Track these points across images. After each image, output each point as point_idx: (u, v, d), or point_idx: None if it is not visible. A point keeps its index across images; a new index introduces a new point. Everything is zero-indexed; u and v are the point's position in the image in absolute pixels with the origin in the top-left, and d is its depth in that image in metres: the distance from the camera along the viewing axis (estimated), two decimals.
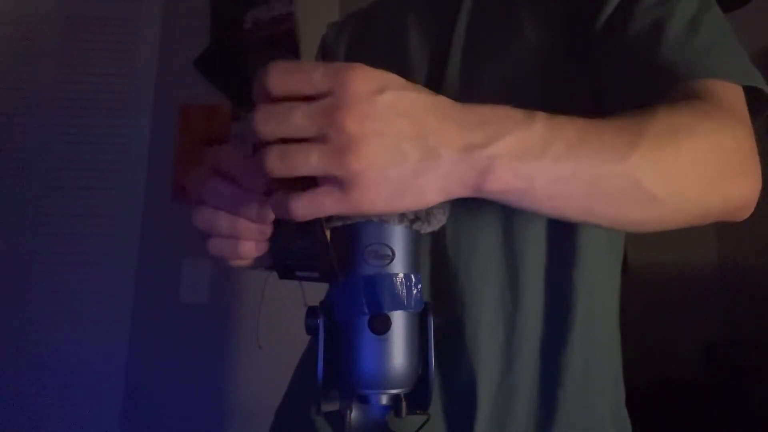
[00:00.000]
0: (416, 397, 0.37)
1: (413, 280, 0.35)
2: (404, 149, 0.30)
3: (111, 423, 1.51)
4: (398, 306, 0.35)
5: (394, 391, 0.36)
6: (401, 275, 0.35)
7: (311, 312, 0.37)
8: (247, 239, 0.38)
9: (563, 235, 0.53)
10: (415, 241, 0.37)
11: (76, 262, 1.58)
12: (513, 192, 0.33)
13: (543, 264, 0.53)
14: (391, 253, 0.36)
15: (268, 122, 0.30)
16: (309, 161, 0.29)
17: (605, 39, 0.50)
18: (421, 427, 0.38)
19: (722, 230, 3.49)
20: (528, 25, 0.55)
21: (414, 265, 0.37)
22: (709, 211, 0.43)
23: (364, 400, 0.36)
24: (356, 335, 0.35)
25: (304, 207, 0.31)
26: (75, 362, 1.53)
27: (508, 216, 0.52)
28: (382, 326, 0.34)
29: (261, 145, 0.31)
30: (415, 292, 0.35)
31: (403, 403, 0.36)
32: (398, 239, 0.36)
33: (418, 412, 0.37)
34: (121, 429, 1.51)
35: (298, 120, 0.29)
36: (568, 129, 0.34)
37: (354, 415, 0.36)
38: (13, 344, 1.54)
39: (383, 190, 0.30)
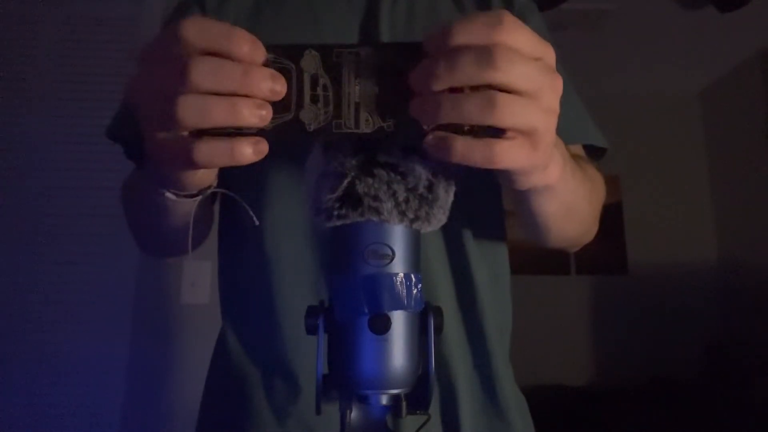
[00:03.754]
0: (416, 397, 0.37)
1: (413, 280, 0.35)
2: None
3: (111, 423, 1.51)
4: (398, 306, 0.35)
5: (394, 391, 0.36)
6: (401, 275, 0.35)
7: (311, 312, 0.37)
8: (249, 127, 0.32)
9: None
10: (415, 240, 0.37)
11: (76, 262, 1.58)
12: (550, 189, 0.41)
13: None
14: (391, 253, 0.36)
15: (505, 63, 0.30)
16: (524, 113, 0.31)
17: None
18: (421, 427, 0.38)
19: (722, 230, 3.50)
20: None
21: (414, 265, 0.37)
22: (581, 243, 0.62)
23: (363, 400, 0.36)
24: (356, 335, 0.35)
25: (505, 155, 0.32)
26: (75, 362, 1.53)
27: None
28: (382, 326, 0.34)
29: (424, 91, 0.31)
30: (415, 292, 0.35)
31: (403, 403, 0.36)
32: (398, 239, 0.36)
33: (418, 412, 0.37)
34: (121, 429, 1.51)
35: (532, 71, 0.31)
36: (567, 155, 0.44)
37: (354, 415, 0.36)
38: (13, 344, 1.53)
39: (549, 156, 0.36)
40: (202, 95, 0.30)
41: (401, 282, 0.35)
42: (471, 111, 0.30)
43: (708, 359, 3.19)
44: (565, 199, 0.45)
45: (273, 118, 0.32)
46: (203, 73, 0.30)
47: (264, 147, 0.32)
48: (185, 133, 0.32)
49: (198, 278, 1.56)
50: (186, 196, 0.43)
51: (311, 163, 0.38)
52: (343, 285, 0.36)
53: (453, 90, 0.31)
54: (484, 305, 0.60)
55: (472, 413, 0.58)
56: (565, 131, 0.59)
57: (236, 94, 0.31)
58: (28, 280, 1.57)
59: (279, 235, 0.58)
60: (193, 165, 0.32)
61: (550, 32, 0.64)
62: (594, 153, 0.66)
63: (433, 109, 0.31)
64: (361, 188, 0.35)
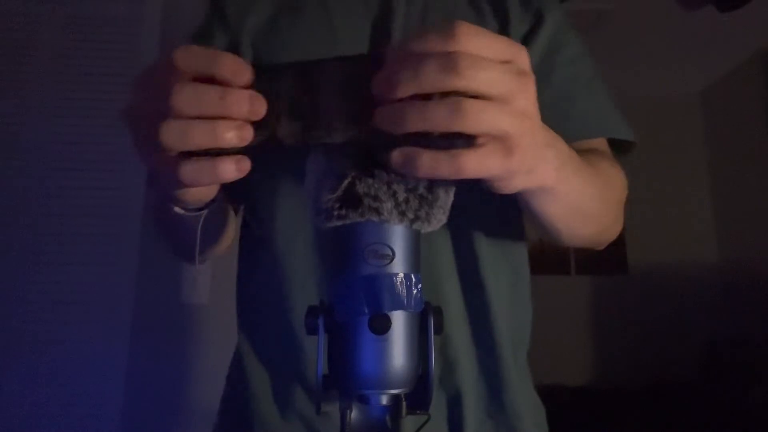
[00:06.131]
0: (416, 397, 0.37)
1: (413, 280, 0.35)
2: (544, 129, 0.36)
3: (111, 423, 1.51)
4: (398, 306, 0.35)
5: (394, 392, 0.36)
6: (401, 275, 0.35)
7: (311, 312, 0.37)
8: (230, 147, 0.33)
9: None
10: (415, 241, 0.37)
11: (76, 262, 1.58)
12: (547, 191, 0.40)
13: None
14: (391, 253, 0.36)
15: (467, 69, 0.29)
16: (493, 118, 0.30)
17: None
18: (421, 427, 0.38)
19: (722, 230, 3.50)
20: None
21: (414, 265, 0.37)
22: (602, 242, 0.58)
23: (363, 400, 0.36)
24: (356, 335, 0.35)
25: (473, 164, 0.31)
26: (75, 362, 1.53)
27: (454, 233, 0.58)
28: (382, 326, 0.34)
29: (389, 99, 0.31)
30: (415, 292, 0.35)
31: (403, 403, 0.36)
32: (398, 239, 0.36)
33: (418, 412, 0.37)
34: (121, 429, 1.51)
35: (497, 75, 0.30)
36: (572, 154, 0.43)
37: (354, 415, 0.36)
38: (13, 344, 1.53)
39: (532, 159, 0.34)
40: (184, 120, 0.32)
41: (401, 282, 0.35)
42: (438, 118, 0.30)
43: (708, 359, 3.19)
44: (569, 199, 0.44)
45: (255, 135, 0.34)
46: (185, 98, 0.31)
47: (246, 165, 0.34)
48: (172, 154, 0.33)
49: (198, 278, 1.56)
50: (191, 210, 0.45)
51: (311, 164, 0.38)
52: (343, 285, 0.36)
53: (420, 98, 0.31)
54: (495, 309, 0.57)
55: (477, 420, 0.57)
56: (582, 125, 0.58)
57: (219, 116, 0.32)
58: (28, 280, 1.57)
59: (289, 238, 0.58)
60: (180, 184, 0.34)
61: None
62: (622, 146, 0.65)
63: (400, 118, 0.31)
64: (361, 188, 0.35)
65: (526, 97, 0.32)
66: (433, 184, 0.36)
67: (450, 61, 0.29)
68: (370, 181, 0.35)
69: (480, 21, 0.63)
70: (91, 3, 1.70)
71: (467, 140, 0.31)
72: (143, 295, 1.57)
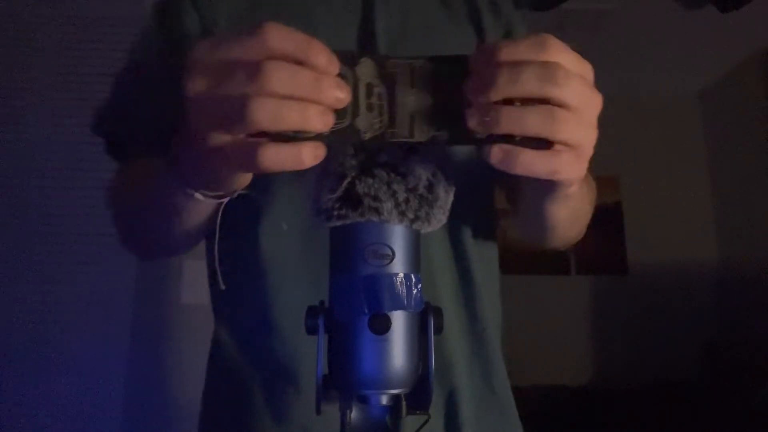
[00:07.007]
0: (416, 397, 0.37)
1: (413, 280, 0.35)
2: None
3: (111, 423, 1.51)
4: (398, 306, 0.35)
5: (394, 392, 0.36)
6: (401, 275, 0.35)
7: (311, 312, 0.37)
8: (314, 132, 0.32)
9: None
10: (415, 241, 0.37)
11: (76, 262, 1.58)
12: (564, 197, 0.43)
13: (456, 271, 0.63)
14: (391, 253, 0.36)
15: (563, 79, 0.32)
16: (575, 128, 0.33)
17: None
18: (421, 427, 0.38)
19: (722, 230, 3.50)
20: (450, 38, 0.65)
21: (414, 265, 0.37)
22: (573, 243, 0.64)
23: (363, 400, 0.36)
24: (356, 335, 0.35)
25: (562, 167, 0.34)
26: (75, 362, 1.53)
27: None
28: (382, 326, 0.34)
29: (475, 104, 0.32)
30: (415, 292, 0.35)
31: (403, 403, 0.36)
32: (398, 239, 0.36)
33: (418, 412, 0.37)
34: (121, 429, 1.51)
35: (582, 88, 0.33)
36: None
37: (354, 415, 0.36)
38: (12, 344, 1.53)
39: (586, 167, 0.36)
40: (276, 99, 0.30)
41: (401, 282, 0.35)
42: (532, 123, 0.32)
43: (708, 359, 3.19)
44: (576, 204, 0.48)
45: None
46: (280, 76, 0.30)
47: (322, 152, 0.33)
48: (243, 136, 0.32)
49: (198, 278, 1.56)
50: (214, 197, 0.43)
51: None
52: (343, 285, 0.36)
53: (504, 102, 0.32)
54: (483, 302, 0.62)
55: (472, 413, 0.59)
56: None
57: (309, 99, 0.31)
58: (28, 280, 1.56)
59: (278, 236, 0.58)
60: (256, 168, 0.32)
61: (552, 33, 0.64)
62: None
63: (494, 120, 0.32)
64: (361, 188, 0.35)
65: (596, 110, 0.34)
66: (433, 184, 0.36)
67: (548, 70, 0.32)
68: (370, 181, 0.35)
69: (455, 26, 0.66)
70: (91, 3, 1.70)
71: (545, 145, 0.33)
72: (143, 295, 1.57)
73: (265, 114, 0.30)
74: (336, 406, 0.36)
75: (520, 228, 0.64)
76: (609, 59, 3.15)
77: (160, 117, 0.59)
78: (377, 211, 0.35)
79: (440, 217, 0.38)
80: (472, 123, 0.33)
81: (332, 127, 0.33)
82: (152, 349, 1.54)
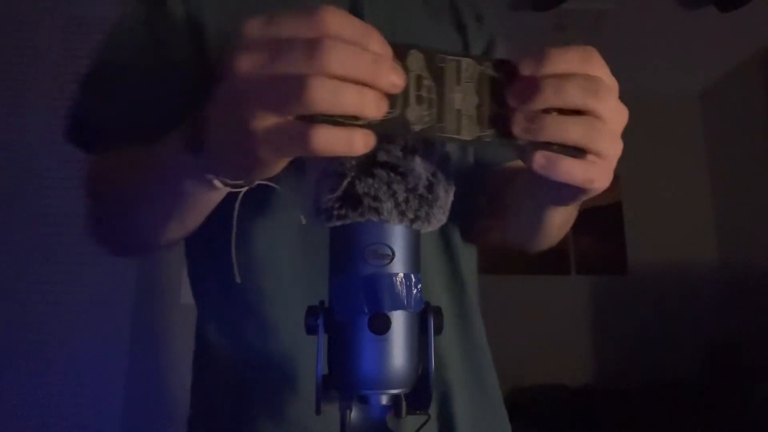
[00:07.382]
0: (416, 397, 0.37)
1: (413, 280, 0.35)
2: None
3: (111, 424, 1.51)
4: (398, 306, 0.35)
5: (394, 392, 0.36)
6: (401, 275, 0.35)
7: (311, 312, 0.37)
8: (368, 118, 0.31)
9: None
10: (415, 241, 0.37)
11: (76, 262, 1.58)
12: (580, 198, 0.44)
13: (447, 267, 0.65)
14: (391, 253, 0.36)
15: (606, 93, 0.34)
16: (610, 140, 0.35)
17: None
18: (420, 427, 0.38)
19: (722, 230, 3.50)
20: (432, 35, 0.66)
21: (414, 265, 0.37)
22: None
23: (363, 400, 0.36)
24: (356, 335, 0.35)
25: (598, 176, 0.35)
26: (75, 363, 1.53)
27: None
28: (382, 326, 0.34)
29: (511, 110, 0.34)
30: (415, 292, 0.35)
31: (403, 403, 0.36)
32: (398, 239, 0.36)
33: (418, 412, 0.37)
34: (121, 429, 1.51)
35: (617, 104, 0.35)
36: None
37: (354, 415, 0.36)
38: (12, 345, 1.53)
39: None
40: (335, 80, 0.29)
41: (401, 282, 0.35)
42: (574, 133, 0.34)
43: (708, 359, 3.19)
44: (570, 210, 0.50)
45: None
46: (340, 57, 0.29)
47: (372, 141, 0.31)
48: (291, 118, 0.31)
49: None
50: (232, 186, 0.40)
51: (311, 163, 0.37)
52: (343, 285, 0.36)
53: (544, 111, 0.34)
54: (472, 301, 0.64)
55: (465, 412, 0.60)
56: None
57: (365, 83, 0.30)
58: (28, 280, 1.56)
59: (273, 236, 0.57)
60: (306, 151, 0.30)
61: (551, 33, 0.65)
62: None
63: (539, 127, 0.33)
64: (361, 188, 0.35)
65: (624, 124, 0.36)
66: (433, 184, 0.36)
67: (593, 84, 0.33)
68: (370, 181, 0.35)
69: (441, 34, 0.66)
70: (91, 4, 1.70)
71: (580, 154, 0.35)
72: (143, 296, 1.57)
73: (325, 95, 0.29)
74: (336, 406, 0.36)
75: (510, 231, 0.64)
76: (609, 59, 3.13)
77: (149, 100, 0.58)
78: (377, 211, 0.35)
79: (440, 217, 0.38)
80: (517, 129, 0.34)
81: (383, 116, 0.32)
82: (152, 349, 1.54)
